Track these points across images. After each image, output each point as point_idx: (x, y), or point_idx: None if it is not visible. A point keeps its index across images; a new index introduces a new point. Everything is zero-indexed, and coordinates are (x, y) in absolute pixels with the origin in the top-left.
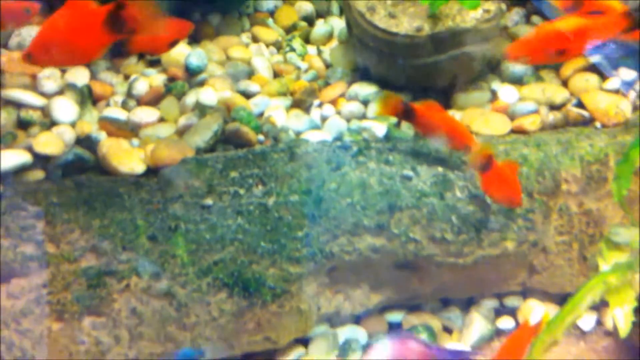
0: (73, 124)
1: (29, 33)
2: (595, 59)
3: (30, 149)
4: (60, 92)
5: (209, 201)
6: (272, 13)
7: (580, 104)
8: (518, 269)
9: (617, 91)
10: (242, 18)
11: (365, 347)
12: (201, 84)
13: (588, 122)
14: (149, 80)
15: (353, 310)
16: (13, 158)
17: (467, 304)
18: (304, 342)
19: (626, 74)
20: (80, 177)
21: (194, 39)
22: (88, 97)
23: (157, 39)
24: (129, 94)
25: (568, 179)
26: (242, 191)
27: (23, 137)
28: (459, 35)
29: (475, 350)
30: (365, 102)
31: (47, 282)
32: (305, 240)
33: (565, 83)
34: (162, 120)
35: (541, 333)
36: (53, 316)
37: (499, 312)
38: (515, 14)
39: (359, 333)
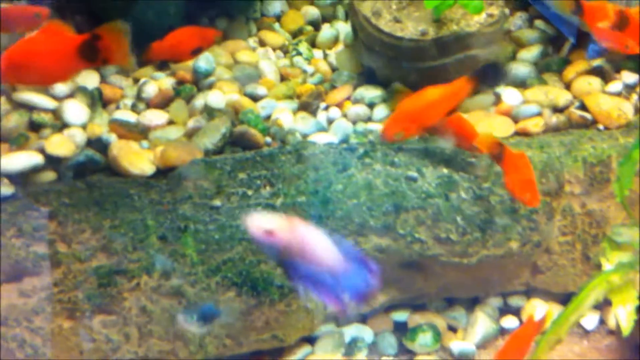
0: (84, 126)
1: None
2: (597, 62)
3: (42, 150)
4: (71, 95)
5: (217, 202)
6: (278, 17)
7: (583, 107)
8: (522, 269)
9: (619, 94)
10: (249, 22)
11: (371, 346)
12: (209, 87)
13: (591, 124)
14: (158, 83)
15: (359, 309)
16: (25, 159)
17: (472, 303)
18: (311, 340)
19: (628, 77)
20: (91, 178)
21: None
22: (98, 100)
23: (180, 47)
24: (139, 97)
25: (571, 180)
26: (250, 192)
27: (35, 139)
28: (463, 39)
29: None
30: (371, 105)
31: (58, 281)
32: None
33: (568, 86)
34: (171, 122)
35: (546, 332)
36: (64, 314)
37: (503, 311)
38: (518, 18)
39: (365, 332)
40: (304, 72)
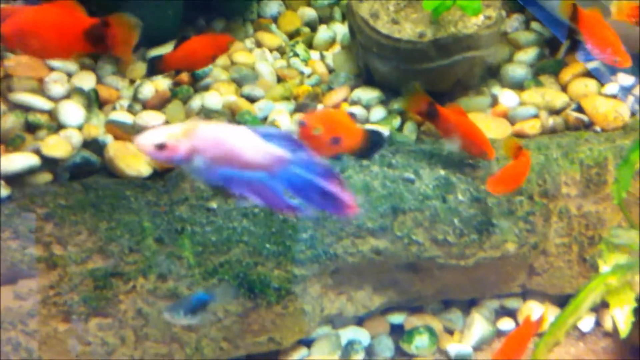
0: (80, 128)
1: None
2: (592, 65)
3: (38, 151)
4: (67, 96)
5: (214, 204)
6: (275, 19)
7: (579, 109)
8: (518, 271)
9: (615, 96)
10: (245, 24)
11: (367, 349)
12: (206, 88)
13: (587, 126)
14: (154, 84)
15: (356, 311)
16: (21, 161)
17: (468, 306)
18: (307, 343)
19: (624, 79)
20: (87, 179)
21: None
22: (95, 101)
23: (193, 57)
24: (135, 98)
25: (568, 182)
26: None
27: (31, 140)
28: (461, 41)
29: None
30: (368, 107)
31: (54, 284)
32: (310, 242)
33: (564, 88)
34: (168, 124)
35: (544, 334)
36: (59, 317)
37: (499, 313)
38: (514, 20)
39: (361, 334)
40: (301, 73)
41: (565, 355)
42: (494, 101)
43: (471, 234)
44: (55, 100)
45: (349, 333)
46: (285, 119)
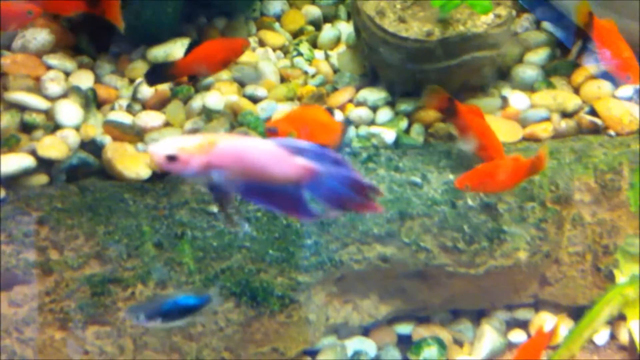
0: (77, 128)
1: (33, 35)
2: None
3: (33, 152)
4: (64, 95)
5: (215, 208)
6: (278, 17)
7: (592, 112)
8: (530, 280)
9: (630, 99)
10: (248, 22)
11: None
12: (207, 88)
13: (601, 130)
14: None
15: (361, 321)
16: (17, 162)
17: (478, 316)
18: (312, 353)
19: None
20: (84, 181)
21: (199, 43)
22: (92, 101)
23: (206, 61)
24: (134, 98)
25: (581, 188)
26: None
27: (26, 140)
28: (470, 40)
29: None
30: (374, 108)
31: (50, 290)
32: (314, 248)
33: (577, 90)
34: (168, 124)
35: (559, 347)
36: (56, 325)
37: (510, 324)
38: (524, 20)
39: (367, 345)
40: (305, 73)
41: None
42: (504, 103)
43: (481, 241)
44: (51, 99)
45: (354, 343)
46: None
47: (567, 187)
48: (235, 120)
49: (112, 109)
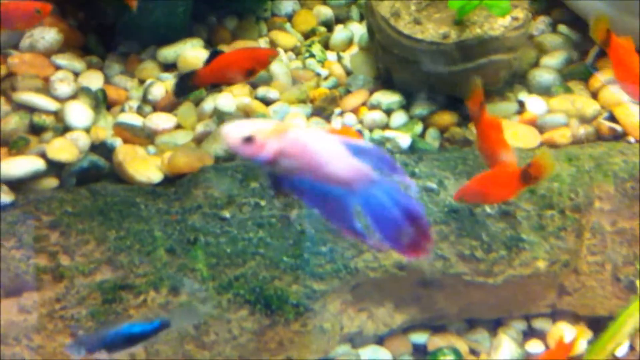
0: (87, 130)
1: (41, 34)
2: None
3: (43, 155)
4: (73, 96)
5: (228, 212)
6: (289, 17)
7: (611, 118)
8: (548, 290)
9: None
10: (259, 22)
11: None
12: (219, 89)
13: (620, 136)
14: (164, 85)
15: (376, 329)
16: (26, 164)
17: (494, 326)
18: None
19: None
20: (95, 185)
21: (210, 43)
22: (102, 102)
23: (229, 71)
24: (144, 99)
25: (601, 196)
26: (263, 202)
27: (36, 142)
28: (487, 43)
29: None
30: (388, 111)
31: (60, 296)
32: (330, 255)
33: (594, 95)
34: (179, 126)
35: None
36: (66, 332)
37: (527, 334)
38: (540, 23)
39: (382, 354)
40: (317, 75)
41: None
42: (521, 108)
43: (500, 249)
44: (61, 100)
45: (369, 353)
46: (301, 122)
47: (586, 194)
48: None
49: (122, 110)
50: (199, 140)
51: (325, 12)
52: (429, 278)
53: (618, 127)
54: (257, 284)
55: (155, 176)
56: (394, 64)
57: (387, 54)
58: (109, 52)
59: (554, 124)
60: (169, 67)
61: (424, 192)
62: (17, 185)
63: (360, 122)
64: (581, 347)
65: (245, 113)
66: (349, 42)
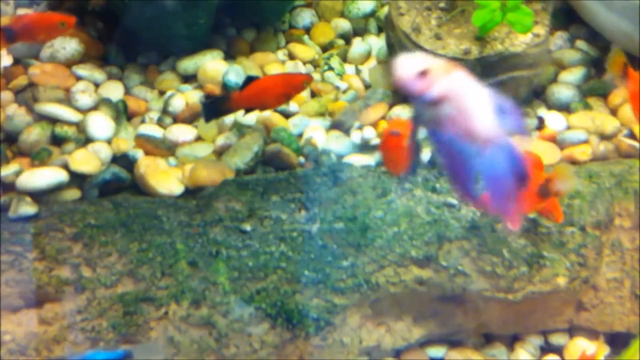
0: (109, 141)
1: (61, 45)
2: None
3: (65, 166)
4: (95, 107)
5: (250, 226)
6: (307, 30)
7: (631, 135)
8: (566, 306)
9: None
10: (277, 34)
11: None
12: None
13: None
14: (184, 96)
15: (394, 343)
16: (49, 176)
17: (511, 340)
18: None
19: None
20: (117, 197)
21: (229, 55)
22: (123, 113)
23: (263, 96)
24: (165, 111)
25: (621, 213)
26: (284, 216)
27: (58, 154)
28: (508, 59)
29: None
30: None
31: (81, 308)
32: (351, 270)
33: (613, 112)
34: (199, 139)
35: None
36: (87, 344)
37: (544, 350)
38: (558, 38)
39: None
40: (337, 88)
41: None
42: (541, 124)
43: (520, 266)
44: (82, 111)
45: None
46: (321, 136)
47: (607, 212)
48: (268, 137)
49: (143, 121)
50: (219, 152)
51: (344, 24)
52: (450, 294)
53: (638, 145)
54: (278, 297)
55: (177, 188)
56: None
57: None
58: (129, 63)
59: (574, 141)
60: (188, 78)
61: (445, 208)
62: (39, 196)
63: (379, 135)
64: None
65: (266, 126)
66: (367, 55)
